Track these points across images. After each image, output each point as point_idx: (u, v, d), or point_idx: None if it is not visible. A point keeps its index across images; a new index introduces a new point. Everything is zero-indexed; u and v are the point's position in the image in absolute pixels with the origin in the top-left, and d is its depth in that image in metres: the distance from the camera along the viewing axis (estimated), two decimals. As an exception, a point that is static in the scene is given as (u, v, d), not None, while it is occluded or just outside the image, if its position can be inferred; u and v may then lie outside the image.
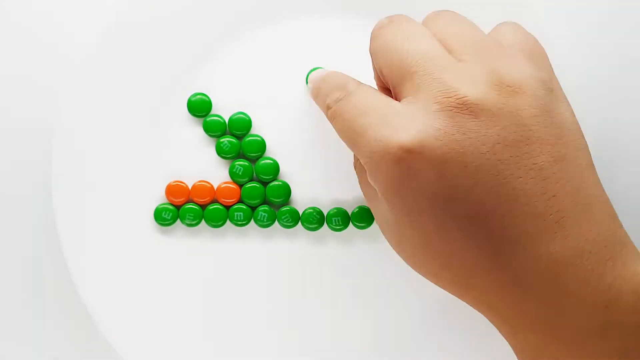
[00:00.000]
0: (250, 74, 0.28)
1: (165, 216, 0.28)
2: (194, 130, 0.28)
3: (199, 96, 0.28)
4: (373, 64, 0.23)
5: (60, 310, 0.30)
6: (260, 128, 0.28)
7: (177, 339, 0.28)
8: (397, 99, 0.21)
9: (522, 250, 0.19)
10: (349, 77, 0.23)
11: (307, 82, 0.28)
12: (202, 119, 0.28)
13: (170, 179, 0.28)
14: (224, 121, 0.28)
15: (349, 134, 0.21)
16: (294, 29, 0.28)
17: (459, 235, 0.19)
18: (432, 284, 0.22)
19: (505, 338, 0.21)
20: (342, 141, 0.28)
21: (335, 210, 0.28)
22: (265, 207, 0.28)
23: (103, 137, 0.27)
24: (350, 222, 0.28)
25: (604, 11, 0.30)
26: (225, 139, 0.28)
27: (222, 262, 0.28)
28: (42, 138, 0.29)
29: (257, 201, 0.28)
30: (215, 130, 0.28)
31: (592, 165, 0.20)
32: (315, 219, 0.28)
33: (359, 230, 0.28)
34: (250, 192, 0.28)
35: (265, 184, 0.28)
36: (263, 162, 0.28)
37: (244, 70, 0.28)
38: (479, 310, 0.21)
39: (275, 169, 0.28)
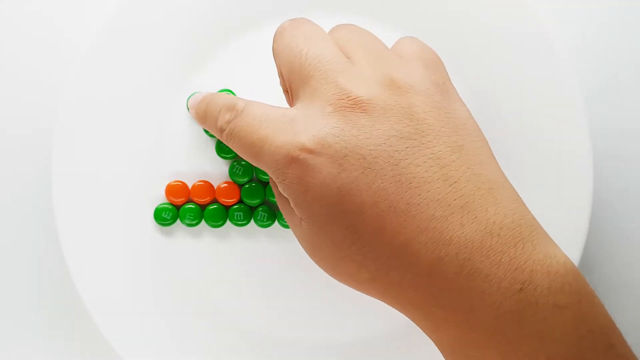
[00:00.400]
0: (250, 74, 0.28)
1: (165, 216, 0.28)
2: (194, 130, 0.28)
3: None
4: (276, 66, 0.24)
5: (60, 310, 0.30)
6: (260, 128, 0.28)
7: (177, 339, 0.28)
8: (294, 101, 0.22)
9: (431, 237, 0.19)
10: (234, 97, 0.24)
11: (187, 108, 0.28)
12: (202, 119, 0.28)
13: (170, 179, 0.28)
14: (224, 121, 0.28)
15: (249, 149, 0.22)
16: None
17: (371, 223, 0.19)
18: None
19: (429, 335, 0.21)
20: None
21: (335, 210, 0.28)
22: (265, 207, 0.28)
23: (103, 137, 0.27)
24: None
25: (604, 11, 0.30)
26: (225, 139, 0.28)
27: (222, 262, 0.28)
28: (42, 138, 0.29)
29: (257, 201, 0.28)
30: (215, 130, 0.28)
31: (493, 156, 0.21)
32: (315, 219, 0.28)
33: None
34: (250, 192, 0.28)
35: (265, 184, 0.28)
36: (263, 162, 0.28)
37: (244, 70, 0.28)
38: (402, 310, 0.21)
39: (275, 169, 0.28)
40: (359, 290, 0.21)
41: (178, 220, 0.28)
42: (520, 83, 0.28)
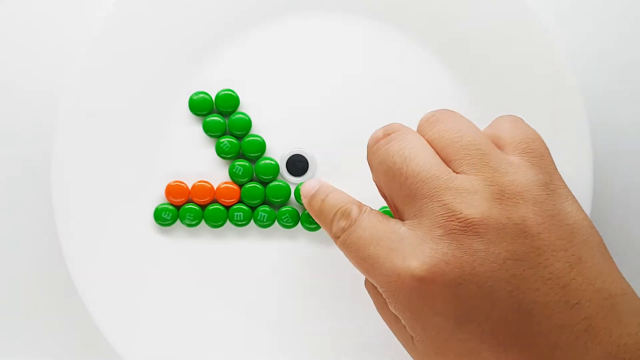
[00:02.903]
0: (251, 74, 0.28)
1: (165, 216, 0.28)
2: (194, 130, 0.28)
3: (200, 95, 0.28)
4: (372, 176, 0.23)
5: (60, 310, 0.30)
6: (260, 128, 0.28)
7: (177, 339, 0.28)
8: (399, 217, 0.21)
9: None
10: (349, 199, 0.23)
11: (296, 196, 0.28)
12: (202, 119, 0.28)
13: (170, 179, 0.28)
14: (224, 121, 0.28)
15: (361, 263, 0.21)
16: (295, 28, 0.28)
17: (490, 356, 0.19)
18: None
19: None
20: (342, 143, 0.28)
21: (335, 210, 0.28)
22: (265, 207, 0.28)
23: (103, 137, 0.27)
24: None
25: (604, 11, 0.30)
26: (225, 139, 0.28)
27: (222, 262, 0.28)
28: (42, 138, 0.29)
29: (257, 201, 0.28)
30: (215, 130, 0.28)
31: (609, 256, 0.20)
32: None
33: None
34: (250, 192, 0.28)
35: (265, 184, 0.28)
36: (263, 162, 0.28)
37: (246, 69, 0.28)
38: None
39: (275, 169, 0.28)
40: None
41: (178, 220, 0.28)
42: (519, 83, 0.28)
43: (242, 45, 0.28)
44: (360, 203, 0.23)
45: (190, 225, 0.28)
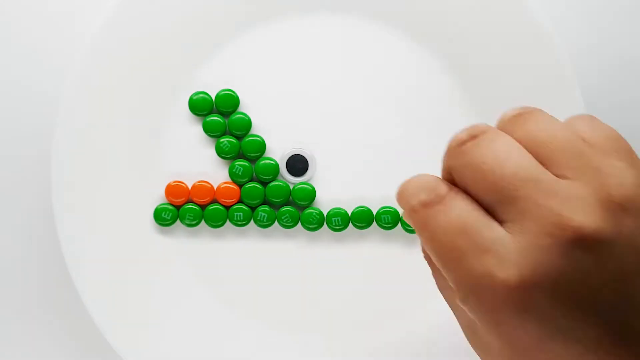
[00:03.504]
0: (252, 74, 0.28)
1: (165, 216, 0.28)
2: (194, 130, 0.28)
3: (200, 95, 0.28)
4: (445, 173, 0.21)
5: (60, 310, 0.30)
6: (260, 128, 0.28)
7: (177, 339, 0.28)
8: (494, 217, 0.19)
9: None
10: (437, 178, 0.20)
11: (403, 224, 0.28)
12: (202, 119, 0.28)
13: (170, 179, 0.28)
14: (224, 121, 0.28)
15: (443, 253, 0.19)
16: (296, 28, 0.28)
17: None
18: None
19: None
20: (342, 143, 0.28)
21: (335, 211, 0.28)
22: (265, 207, 0.28)
23: (103, 137, 0.27)
24: (350, 223, 0.28)
25: (604, 11, 0.30)
26: (225, 139, 0.28)
27: (222, 262, 0.28)
28: (42, 138, 0.29)
29: (256, 201, 0.28)
30: (215, 130, 0.28)
31: None
32: (315, 219, 0.28)
33: (358, 230, 0.28)
34: (250, 192, 0.28)
35: (265, 184, 0.28)
36: (263, 162, 0.28)
37: (246, 69, 0.28)
38: None
39: (275, 169, 0.28)
40: None
41: (178, 221, 0.28)
42: (519, 83, 0.28)
43: (242, 46, 0.28)
44: (450, 184, 0.20)
45: (190, 225, 0.28)
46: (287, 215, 0.28)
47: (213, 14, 0.28)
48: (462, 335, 0.22)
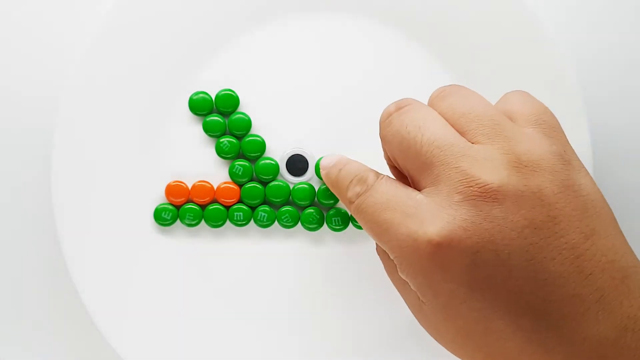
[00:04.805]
0: (252, 74, 0.28)
1: (165, 216, 0.28)
2: (194, 130, 0.28)
3: (200, 95, 0.28)
4: (383, 148, 0.23)
5: (61, 310, 0.30)
6: (260, 128, 0.28)
7: (177, 339, 0.28)
8: (415, 187, 0.21)
9: (567, 335, 0.18)
10: (366, 168, 0.23)
11: (316, 171, 0.28)
12: (202, 119, 0.28)
13: (170, 179, 0.28)
14: (224, 121, 0.28)
15: (374, 229, 0.21)
16: (296, 28, 0.28)
17: (501, 324, 0.19)
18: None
19: None
20: (342, 143, 0.28)
21: (335, 211, 0.28)
22: (265, 207, 0.28)
23: (103, 137, 0.27)
24: (350, 222, 0.28)
25: (604, 10, 0.30)
26: (225, 139, 0.28)
27: (222, 262, 0.28)
28: (42, 138, 0.29)
29: (257, 201, 0.28)
30: (215, 130, 0.28)
31: (620, 231, 0.20)
32: (315, 219, 0.28)
33: (358, 230, 0.28)
34: (250, 192, 0.28)
35: (265, 184, 0.28)
36: (263, 162, 0.28)
37: (246, 69, 0.28)
38: None
39: (275, 169, 0.28)
40: None
41: (178, 221, 0.28)
42: (519, 83, 0.28)
43: (242, 46, 0.28)
44: (377, 172, 0.23)
45: (190, 225, 0.28)
46: (287, 215, 0.28)
47: (213, 14, 0.28)
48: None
